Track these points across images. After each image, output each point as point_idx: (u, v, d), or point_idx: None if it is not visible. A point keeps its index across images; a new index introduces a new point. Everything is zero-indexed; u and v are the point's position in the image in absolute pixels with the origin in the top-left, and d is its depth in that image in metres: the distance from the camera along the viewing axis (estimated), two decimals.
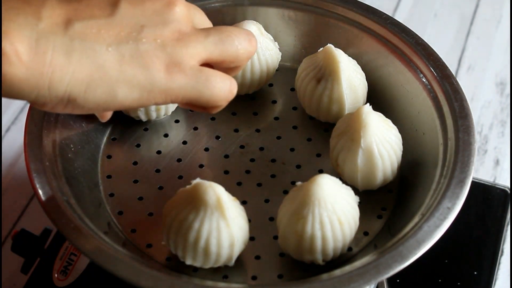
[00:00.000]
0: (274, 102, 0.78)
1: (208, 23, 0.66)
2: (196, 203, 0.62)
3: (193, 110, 0.64)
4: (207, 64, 0.62)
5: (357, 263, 0.63)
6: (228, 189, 0.70)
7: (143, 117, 0.74)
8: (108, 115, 0.70)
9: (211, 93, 0.61)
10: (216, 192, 0.62)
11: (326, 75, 0.73)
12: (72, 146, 0.71)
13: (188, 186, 0.64)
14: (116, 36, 0.58)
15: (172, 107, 0.75)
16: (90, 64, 0.57)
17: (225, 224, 0.62)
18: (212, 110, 0.63)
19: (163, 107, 0.74)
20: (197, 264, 0.64)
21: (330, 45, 0.73)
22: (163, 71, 0.59)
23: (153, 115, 0.74)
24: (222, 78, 0.61)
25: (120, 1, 0.60)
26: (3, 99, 1.04)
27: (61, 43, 0.56)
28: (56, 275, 0.77)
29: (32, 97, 0.56)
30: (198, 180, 0.63)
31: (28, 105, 0.71)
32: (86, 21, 0.57)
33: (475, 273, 0.80)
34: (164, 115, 0.75)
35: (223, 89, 0.61)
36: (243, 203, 0.70)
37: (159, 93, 0.59)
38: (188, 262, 0.64)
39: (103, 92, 0.57)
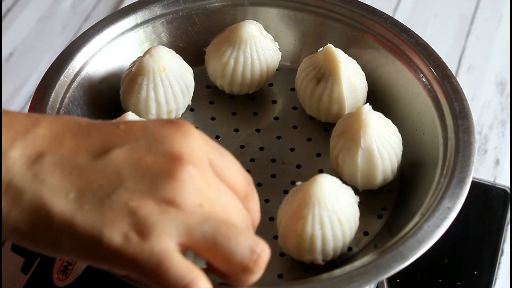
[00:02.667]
0: (274, 102, 0.78)
1: (239, 181, 0.56)
2: None
3: None
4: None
5: (357, 263, 0.63)
6: None
7: None
8: None
9: (158, 281, 0.51)
10: None
11: (326, 75, 0.73)
12: None
13: None
14: (85, 184, 0.51)
15: (182, 109, 0.74)
16: (39, 207, 0.50)
17: None
18: None
19: (174, 110, 0.73)
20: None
21: (330, 45, 0.73)
22: (119, 238, 0.50)
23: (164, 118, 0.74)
24: (180, 269, 0.51)
25: (114, 147, 0.52)
26: (3, 100, 1.04)
27: (20, 177, 0.51)
28: (56, 275, 0.77)
29: None
30: None
31: (28, 105, 0.71)
32: (61, 158, 0.52)
33: (475, 273, 0.80)
34: (174, 118, 0.75)
35: (174, 280, 0.51)
36: None
37: (106, 260, 0.51)
38: None
39: (48, 241, 0.51)
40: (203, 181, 0.53)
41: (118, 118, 0.69)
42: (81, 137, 0.53)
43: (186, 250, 0.53)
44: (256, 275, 0.54)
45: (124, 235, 0.51)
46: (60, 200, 0.51)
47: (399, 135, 0.70)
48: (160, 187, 0.52)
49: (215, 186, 0.54)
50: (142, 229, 0.51)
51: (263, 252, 0.54)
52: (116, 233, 0.51)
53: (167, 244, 0.51)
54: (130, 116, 0.68)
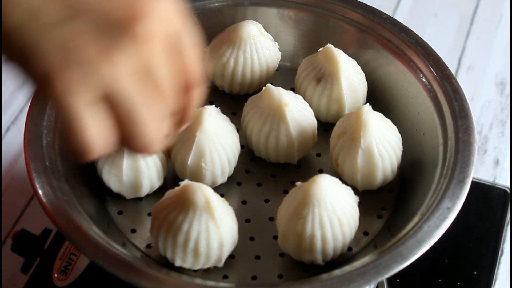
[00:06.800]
0: None
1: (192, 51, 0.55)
2: (185, 205, 0.62)
3: None
4: None
5: (357, 263, 0.63)
6: (228, 189, 0.70)
7: None
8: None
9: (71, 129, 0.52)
10: (205, 193, 0.62)
11: (326, 75, 0.73)
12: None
13: (176, 188, 0.64)
14: (44, 3, 0.50)
15: None
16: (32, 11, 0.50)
17: (214, 225, 0.62)
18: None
19: None
20: (187, 265, 0.64)
21: (330, 45, 0.73)
22: (48, 68, 0.50)
23: None
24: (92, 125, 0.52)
25: None
26: (3, 100, 1.04)
27: None
28: (56, 275, 0.77)
29: None
30: (186, 181, 0.63)
31: (28, 105, 0.71)
32: None
33: (475, 273, 0.80)
34: None
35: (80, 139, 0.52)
36: (243, 203, 0.70)
37: (34, 79, 0.51)
38: (178, 263, 0.64)
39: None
40: (149, 46, 0.51)
41: None
42: None
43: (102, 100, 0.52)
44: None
45: (57, 67, 0.50)
46: (17, 10, 0.50)
47: (399, 135, 0.70)
48: (109, 35, 0.50)
49: (159, 56, 0.52)
50: (74, 67, 0.50)
51: (152, 151, 0.55)
52: (49, 61, 0.50)
53: (87, 95, 0.50)
54: None
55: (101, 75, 0.51)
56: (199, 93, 0.57)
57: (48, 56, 0.50)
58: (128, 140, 0.54)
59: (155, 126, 0.54)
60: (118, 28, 0.51)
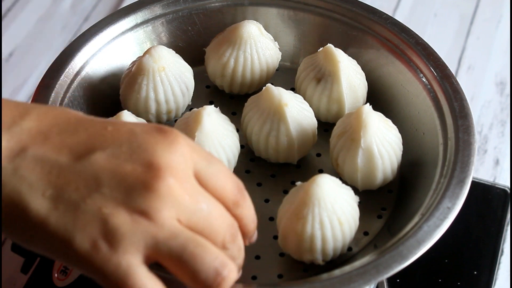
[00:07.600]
0: None
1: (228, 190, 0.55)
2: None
3: None
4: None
5: (357, 263, 0.63)
6: None
7: (154, 121, 0.73)
8: None
9: None
10: None
11: (326, 75, 0.73)
12: None
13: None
14: (63, 184, 0.50)
15: (182, 109, 0.74)
16: (16, 202, 0.50)
17: None
18: None
19: (173, 110, 0.73)
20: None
21: (330, 45, 0.73)
22: (87, 245, 0.50)
23: (164, 118, 0.74)
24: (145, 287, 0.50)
25: (97, 150, 0.52)
26: (3, 99, 1.04)
27: (3, 169, 0.50)
28: (56, 275, 0.77)
29: None
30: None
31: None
32: (43, 155, 0.51)
33: (475, 273, 0.80)
34: (174, 117, 0.75)
35: None
36: None
37: (75, 263, 0.51)
38: None
39: (22, 234, 0.51)
40: (181, 192, 0.52)
41: (114, 116, 0.69)
42: (67, 135, 0.52)
43: (153, 261, 0.52)
44: None
45: (93, 242, 0.50)
46: (37, 197, 0.50)
47: (399, 135, 0.70)
48: (135, 198, 0.51)
49: (195, 196, 0.53)
50: (111, 238, 0.50)
51: (230, 274, 0.53)
52: (85, 239, 0.50)
53: (134, 257, 0.51)
54: (126, 115, 0.68)
55: (140, 237, 0.50)
56: (247, 208, 0.57)
57: (86, 230, 0.50)
58: (191, 281, 0.52)
59: (213, 255, 0.52)
60: (140, 188, 0.51)
